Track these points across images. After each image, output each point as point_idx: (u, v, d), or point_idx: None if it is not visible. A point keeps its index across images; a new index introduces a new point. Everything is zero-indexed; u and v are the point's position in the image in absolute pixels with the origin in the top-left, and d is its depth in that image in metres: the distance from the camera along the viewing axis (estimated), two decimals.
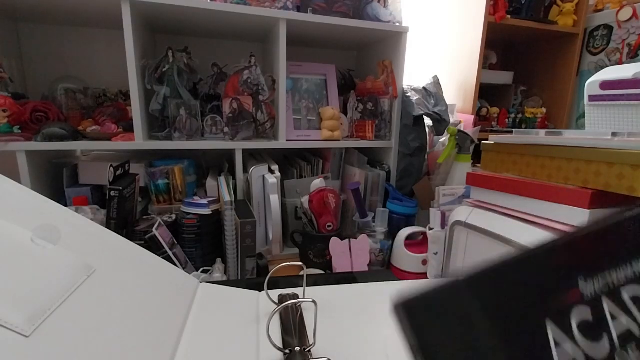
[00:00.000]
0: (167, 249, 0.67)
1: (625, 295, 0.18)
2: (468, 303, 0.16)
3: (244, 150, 0.85)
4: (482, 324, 0.16)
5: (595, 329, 0.17)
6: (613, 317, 0.17)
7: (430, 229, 0.76)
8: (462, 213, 0.60)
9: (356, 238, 0.80)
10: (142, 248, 0.41)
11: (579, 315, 0.17)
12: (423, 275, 0.80)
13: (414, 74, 1.12)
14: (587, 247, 0.18)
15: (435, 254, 0.75)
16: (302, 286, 0.42)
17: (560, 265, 0.18)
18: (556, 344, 0.16)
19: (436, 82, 0.99)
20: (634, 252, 0.18)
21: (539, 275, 0.17)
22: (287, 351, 0.33)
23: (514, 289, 0.17)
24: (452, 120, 1.02)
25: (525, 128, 1.24)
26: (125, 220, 0.70)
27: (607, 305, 0.17)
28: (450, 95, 1.15)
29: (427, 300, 0.16)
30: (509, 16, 1.06)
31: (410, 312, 0.16)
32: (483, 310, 0.16)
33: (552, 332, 0.16)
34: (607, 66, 0.86)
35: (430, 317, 0.16)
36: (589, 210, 0.44)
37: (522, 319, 0.16)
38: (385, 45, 1.00)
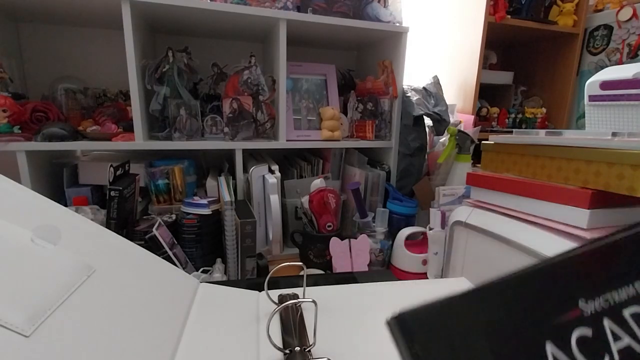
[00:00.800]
0: (167, 249, 0.67)
1: (627, 314, 0.18)
2: (466, 320, 0.16)
3: (244, 150, 0.85)
4: (479, 343, 0.16)
5: (596, 348, 0.17)
6: (614, 336, 0.17)
7: (430, 229, 0.76)
8: (462, 213, 0.60)
9: (356, 238, 0.80)
10: (142, 248, 0.41)
11: (579, 335, 0.17)
12: (423, 275, 0.80)
13: (414, 74, 1.12)
14: (587, 267, 0.18)
15: (435, 254, 0.75)
16: (302, 286, 0.42)
17: (560, 286, 0.17)
18: None
19: (436, 82, 0.99)
20: (635, 273, 0.18)
21: (539, 295, 0.17)
22: (287, 351, 0.33)
23: (513, 309, 0.17)
24: (452, 120, 1.02)
25: (525, 128, 1.24)
26: (125, 220, 0.70)
27: (607, 324, 0.17)
28: (450, 95, 1.15)
29: (422, 315, 0.16)
30: (509, 16, 1.06)
31: (403, 328, 0.16)
32: (481, 328, 0.16)
33: (551, 352, 0.16)
34: (607, 66, 0.86)
35: (425, 333, 0.16)
36: (589, 210, 0.44)
37: (521, 339, 0.16)
38: (385, 45, 1.00)
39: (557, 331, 0.16)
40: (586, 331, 0.17)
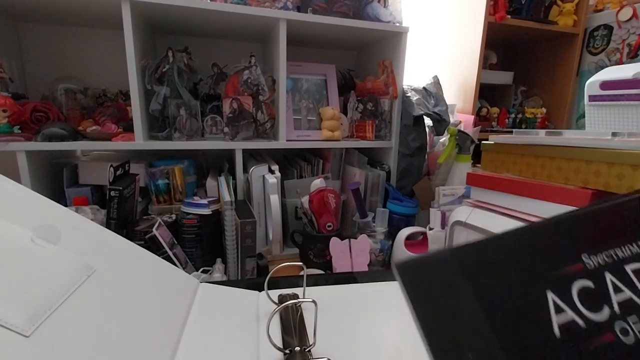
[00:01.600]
0: (167, 249, 0.67)
1: (629, 269, 0.18)
2: (465, 266, 0.17)
3: (244, 150, 0.85)
4: (482, 294, 0.16)
5: (596, 298, 0.17)
6: (615, 289, 0.18)
7: (430, 229, 0.76)
8: (462, 213, 0.60)
9: (356, 238, 0.80)
10: (142, 248, 0.41)
11: (580, 286, 0.17)
12: None
13: (414, 74, 1.12)
14: (592, 225, 0.19)
15: None
16: (302, 286, 0.42)
17: (565, 240, 0.18)
18: (557, 310, 0.17)
19: (436, 82, 0.99)
20: (638, 232, 0.19)
21: (544, 247, 0.18)
22: (287, 351, 0.33)
23: (520, 260, 0.17)
24: (452, 120, 1.02)
25: (525, 128, 1.24)
26: (125, 220, 0.70)
27: (609, 278, 0.18)
28: (450, 95, 1.15)
29: (425, 262, 0.17)
30: (509, 16, 1.06)
31: (406, 272, 0.17)
32: (486, 276, 0.17)
33: (552, 299, 0.17)
34: (607, 66, 0.86)
35: (427, 278, 0.17)
36: None
37: (524, 287, 0.17)
38: (385, 45, 1.00)
39: (558, 281, 0.17)
40: (587, 283, 0.18)
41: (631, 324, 0.17)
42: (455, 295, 0.16)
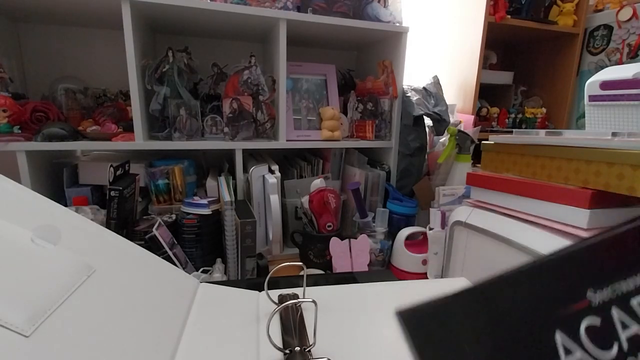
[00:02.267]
0: (167, 249, 0.67)
1: (635, 303, 0.18)
2: (469, 318, 0.16)
3: (244, 150, 0.85)
4: (484, 338, 0.16)
5: (604, 336, 0.17)
6: (623, 325, 0.17)
7: (430, 229, 0.76)
8: (462, 213, 0.60)
9: (356, 238, 0.80)
10: (142, 248, 0.41)
11: (588, 324, 0.17)
12: (423, 275, 0.80)
13: (414, 74, 1.12)
14: (595, 259, 0.18)
15: (435, 254, 0.75)
16: (302, 286, 0.42)
17: (569, 277, 0.18)
18: (566, 352, 0.16)
19: (436, 82, 0.99)
20: None
21: (548, 287, 0.17)
22: (287, 351, 0.33)
23: (521, 301, 0.17)
24: (452, 120, 1.02)
25: (525, 128, 1.24)
26: (125, 220, 0.70)
27: (616, 313, 0.17)
28: (450, 95, 1.15)
29: (430, 310, 0.17)
30: (509, 16, 1.06)
31: (409, 322, 0.16)
32: (484, 325, 0.16)
33: (561, 341, 0.16)
34: (607, 66, 0.86)
35: (432, 327, 0.16)
36: (589, 210, 0.44)
37: (529, 329, 0.16)
38: (385, 45, 1.00)
39: (566, 321, 0.17)
40: (595, 320, 0.17)
41: None
42: (460, 342, 0.16)
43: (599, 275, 0.18)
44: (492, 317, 0.16)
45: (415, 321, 0.16)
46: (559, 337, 0.16)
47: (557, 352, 0.16)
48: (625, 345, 0.17)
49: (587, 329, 0.17)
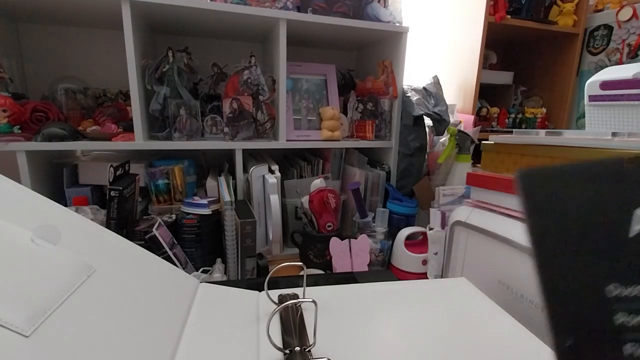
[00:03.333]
0: (167, 249, 0.67)
1: None
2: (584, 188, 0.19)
3: (244, 150, 0.85)
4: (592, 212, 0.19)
5: None
6: None
7: (430, 229, 0.76)
8: (462, 213, 0.60)
9: (356, 238, 0.80)
10: (142, 248, 0.41)
11: None
12: (423, 275, 0.80)
13: (414, 74, 1.12)
14: None
15: (435, 254, 0.75)
16: (302, 286, 0.42)
17: None
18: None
19: (436, 82, 0.99)
20: None
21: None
22: (287, 351, 0.33)
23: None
24: (452, 120, 1.02)
25: (525, 128, 1.24)
26: (125, 220, 0.70)
27: None
28: (450, 95, 1.15)
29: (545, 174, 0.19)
30: (509, 16, 1.06)
31: (525, 184, 0.19)
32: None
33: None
34: (607, 66, 0.86)
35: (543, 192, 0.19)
36: None
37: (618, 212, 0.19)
38: (385, 45, 1.00)
39: None
40: None
41: None
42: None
43: None
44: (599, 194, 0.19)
45: (527, 184, 0.19)
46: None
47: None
48: None
49: None
